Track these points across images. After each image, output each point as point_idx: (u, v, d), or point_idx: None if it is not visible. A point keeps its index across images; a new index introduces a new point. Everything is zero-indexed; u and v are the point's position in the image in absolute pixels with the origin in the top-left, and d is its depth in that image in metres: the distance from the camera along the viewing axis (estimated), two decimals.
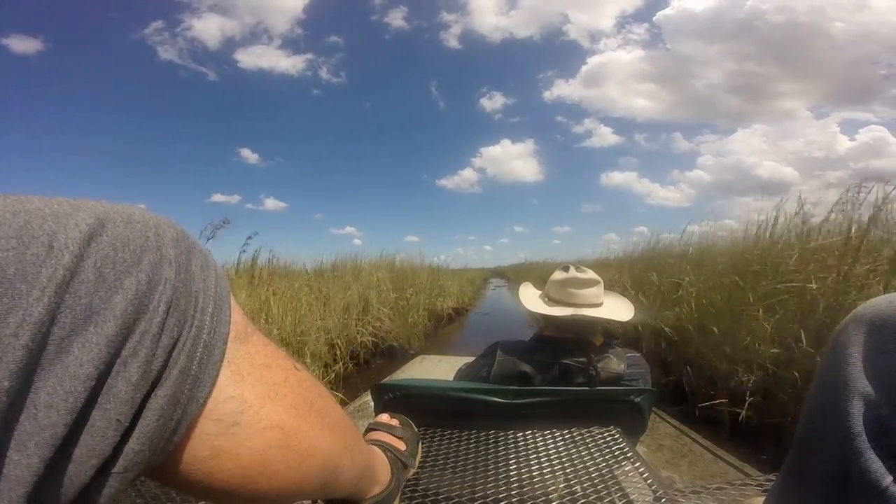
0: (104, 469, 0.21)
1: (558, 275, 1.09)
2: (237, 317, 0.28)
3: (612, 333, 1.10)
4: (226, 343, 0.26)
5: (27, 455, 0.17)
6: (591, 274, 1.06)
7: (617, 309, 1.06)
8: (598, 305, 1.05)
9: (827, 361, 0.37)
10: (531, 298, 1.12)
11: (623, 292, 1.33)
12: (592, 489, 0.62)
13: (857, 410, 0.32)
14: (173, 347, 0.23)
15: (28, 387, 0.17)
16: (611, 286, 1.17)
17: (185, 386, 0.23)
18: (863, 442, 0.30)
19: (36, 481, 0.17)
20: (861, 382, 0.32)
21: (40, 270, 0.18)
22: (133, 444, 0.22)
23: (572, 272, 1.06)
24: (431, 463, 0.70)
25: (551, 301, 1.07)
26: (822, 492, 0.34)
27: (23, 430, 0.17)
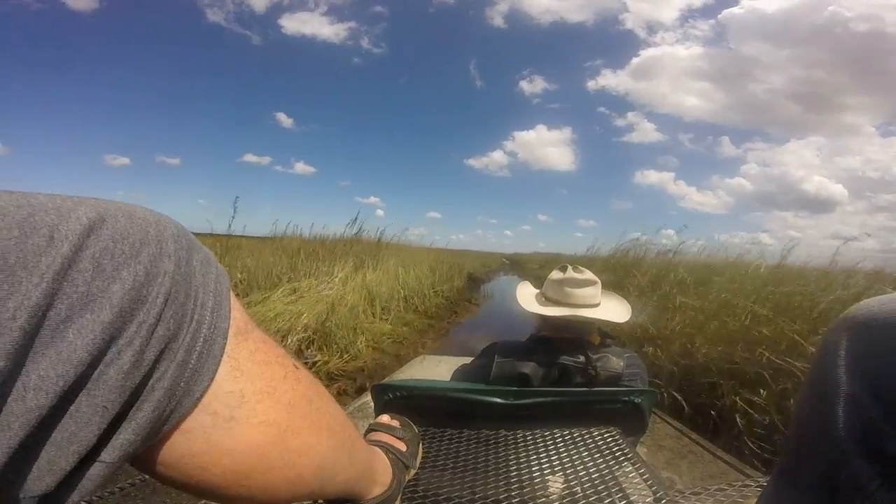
0: (91, 457, 0.21)
1: (556, 274, 1.09)
2: (237, 313, 0.28)
3: (608, 333, 1.10)
4: (226, 338, 0.26)
5: (9, 436, 0.17)
6: (588, 274, 1.06)
7: (614, 310, 1.06)
8: (596, 306, 1.05)
9: (816, 364, 0.37)
10: (528, 298, 1.11)
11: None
12: (592, 490, 0.62)
13: (845, 414, 0.31)
14: (171, 340, 0.23)
15: (20, 368, 0.18)
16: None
17: (181, 379, 0.24)
18: (851, 445, 0.30)
19: (9, 463, 0.18)
20: (850, 385, 0.32)
21: (40, 259, 0.18)
22: (127, 435, 0.22)
23: (570, 272, 1.06)
24: (431, 463, 0.71)
25: (548, 301, 1.07)
26: (812, 495, 0.34)
27: (9, 411, 0.17)
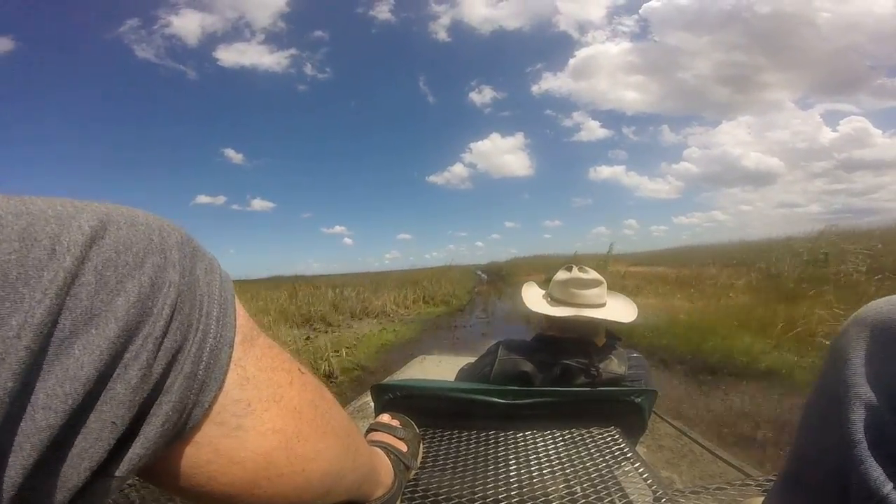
0: (101, 472, 0.21)
1: (561, 275, 1.08)
2: (242, 320, 0.28)
3: (614, 334, 1.10)
4: (232, 347, 0.26)
5: (23, 457, 0.17)
6: (594, 274, 1.06)
7: (619, 310, 1.06)
8: (601, 306, 1.05)
9: (827, 366, 0.36)
10: (534, 299, 1.11)
11: None
12: (592, 489, 0.62)
13: (858, 417, 0.31)
14: (178, 352, 0.23)
15: (28, 388, 0.17)
16: None
17: (191, 391, 0.23)
18: (863, 449, 0.30)
19: (25, 483, 0.17)
20: (863, 389, 0.31)
21: (42, 273, 0.18)
22: (137, 449, 0.22)
23: (575, 272, 1.06)
24: (431, 463, 0.71)
25: (554, 301, 1.07)
26: (822, 498, 0.34)
27: (20, 432, 0.17)
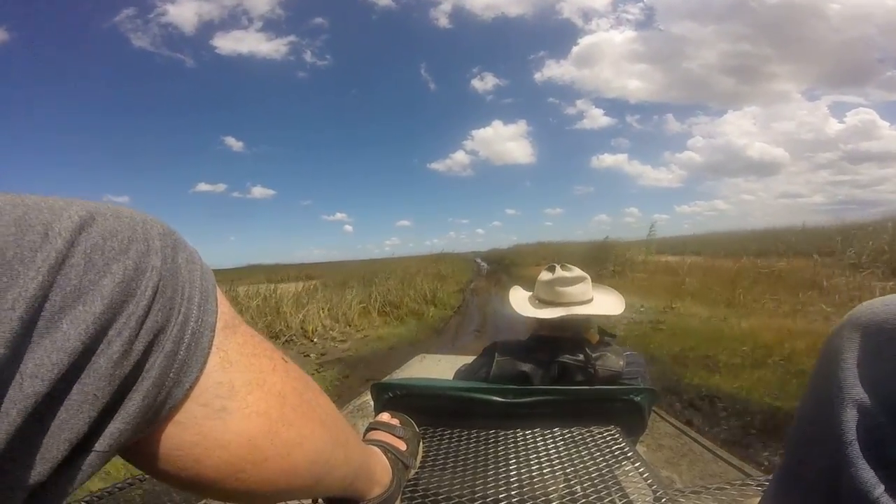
0: (83, 447, 0.22)
1: (545, 275, 1.09)
2: (224, 308, 0.29)
3: (608, 332, 1.10)
4: (213, 331, 0.27)
5: (8, 422, 0.18)
6: (577, 271, 1.06)
7: (608, 303, 1.06)
8: (588, 302, 1.05)
9: (820, 366, 0.36)
10: (521, 302, 1.11)
11: None
12: (592, 489, 0.62)
13: (850, 418, 0.31)
14: (159, 332, 0.24)
15: (18, 356, 0.18)
16: None
17: (171, 369, 0.25)
18: (855, 451, 0.30)
19: (6, 452, 0.18)
20: (856, 390, 0.31)
21: (36, 254, 0.19)
22: (118, 424, 0.23)
23: (559, 272, 1.06)
24: (431, 462, 0.71)
25: (541, 303, 1.07)
26: (814, 498, 0.34)
27: (8, 398, 0.18)
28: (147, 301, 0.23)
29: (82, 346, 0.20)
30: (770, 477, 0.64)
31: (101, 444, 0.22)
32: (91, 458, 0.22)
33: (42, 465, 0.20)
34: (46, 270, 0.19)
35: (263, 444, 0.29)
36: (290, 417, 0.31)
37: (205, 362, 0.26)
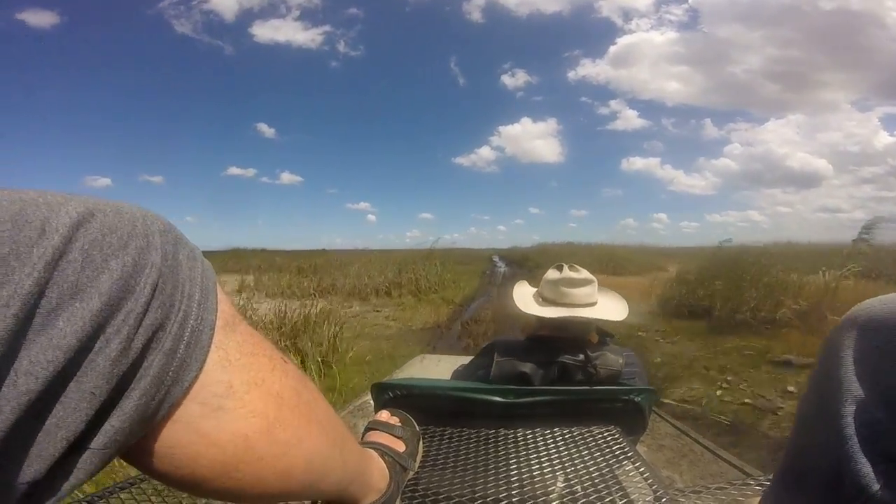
0: (81, 445, 0.22)
1: (552, 274, 1.08)
2: (224, 306, 0.29)
3: (606, 331, 1.10)
4: (213, 329, 0.27)
5: (2, 420, 0.18)
6: (585, 273, 1.05)
7: (611, 308, 1.06)
8: (593, 305, 1.05)
9: (820, 364, 0.37)
10: (524, 299, 1.11)
11: None
12: (593, 489, 0.62)
13: (849, 414, 0.31)
14: (158, 329, 0.24)
15: (13, 354, 0.18)
16: None
17: (170, 368, 0.24)
18: (854, 446, 0.30)
19: (1, 450, 0.18)
20: (854, 386, 0.32)
21: (32, 250, 0.19)
22: (114, 422, 0.22)
23: (566, 272, 1.05)
24: (431, 462, 0.70)
25: (545, 301, 1.07)
26: (815, 495, 0.34)
27: (2, 395, 0.18)
28: (146, 298, 0.23)
29: (79, 343, 0.20)
30: (770, 477, 0.64)
31: (99, 442, 0.22)
32: (89, 456, 0.22)
33: (39, 463, 0.20)
34: (42, 267, 0.19)
35: (259, 444, 0.29)
36: (287, 418, 0.31)
37: (204, 361, 0.26)
